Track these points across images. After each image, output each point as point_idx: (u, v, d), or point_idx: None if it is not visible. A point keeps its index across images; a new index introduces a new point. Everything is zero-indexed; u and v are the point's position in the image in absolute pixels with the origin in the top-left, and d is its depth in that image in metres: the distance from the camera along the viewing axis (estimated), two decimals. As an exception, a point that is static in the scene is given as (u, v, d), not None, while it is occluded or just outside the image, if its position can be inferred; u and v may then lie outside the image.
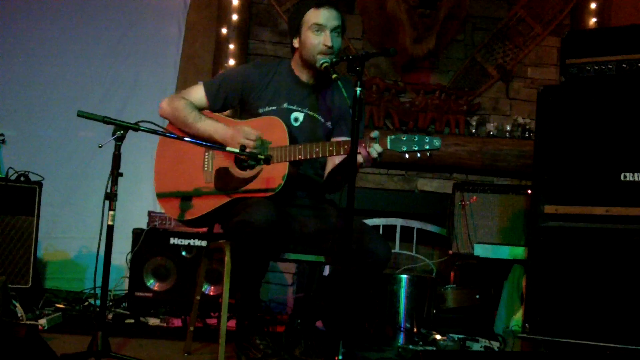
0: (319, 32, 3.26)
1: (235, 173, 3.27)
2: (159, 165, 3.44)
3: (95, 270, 3.00)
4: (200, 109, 3.38)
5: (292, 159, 3.13)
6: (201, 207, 3.30)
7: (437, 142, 2.95)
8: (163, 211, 3.63)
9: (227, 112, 3.51)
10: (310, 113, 3.39)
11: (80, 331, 3.90)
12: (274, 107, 3.36)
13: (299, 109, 3.39)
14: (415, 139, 2.95)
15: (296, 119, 3.38)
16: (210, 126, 3.28)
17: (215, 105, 3.41)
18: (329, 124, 3.42)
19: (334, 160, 3.30)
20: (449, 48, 5.92)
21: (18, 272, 4.57)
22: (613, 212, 3.49)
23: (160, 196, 3.40)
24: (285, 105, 3.37)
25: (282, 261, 4.56)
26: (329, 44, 3.24)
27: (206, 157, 3.34)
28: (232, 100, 3.42)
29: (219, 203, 3.26)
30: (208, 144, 3.19)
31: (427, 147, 2.95)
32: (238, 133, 3.19)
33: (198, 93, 3.41)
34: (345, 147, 3.03)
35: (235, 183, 3.25)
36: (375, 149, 2.97)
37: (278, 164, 3.14)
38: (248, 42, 5.85)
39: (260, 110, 3.36)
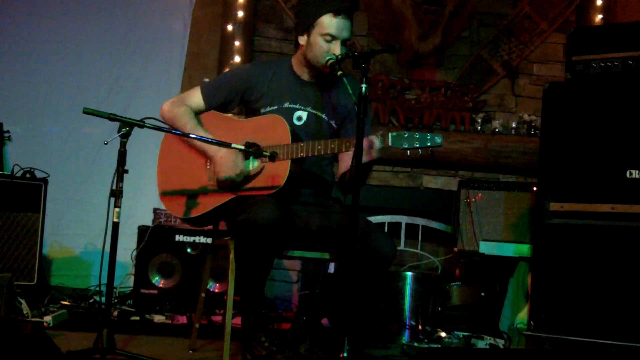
0: (330, 41, 3.22)
1: None
2: (162, 163, 3.45)
3: (101, 267, 2.99)
4: (200, 112, 3.39)
5: (294, 157, 3.13)
6: (204, 204, 3.30)
7: (438, 139, 2.94)
8: (166, 210, 3.63)
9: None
10: (313, 111, 3.39)
11: (86, 328, 3.90)
12: (276, 107, 3.35)
13: (302, 107, 3.38)
14: (417, 136, 2.94)
15: (299, 118, 3.37)
16: (203, 142, 3.27)
17: (212, 105, 3.40)
18: (333, 122, 3.41)
19: (345, 163, 3.28)
20: (454, 45, 5.90)
21: (23, 269, 4.57)
22: (618, 209, 3.48)
23: (164, 194, 3.41)
24: (286, 104, 3.36)
25: (287, 258, 4.56)
26: (337, 53, 3.19)
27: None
28: (232, 100, 3.42)
29: (221, 201, 3.26)
30: (214, 140, 3.19)
31: (429, 144, 2.94)
32: (228, 159, 3.20)
33: (195, 96, 3.40)
34: (347, 144, 3.02)
35: (237, 182, 3.24)
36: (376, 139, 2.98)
37: (280, 162, 3.14)
38: (253, 38, 5.84)
39: (262, 111, 3.36)
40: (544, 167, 3.69)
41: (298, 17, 3.44)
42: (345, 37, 3.24)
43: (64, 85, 5.61)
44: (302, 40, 3.32)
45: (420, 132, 2.95)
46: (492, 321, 4.32)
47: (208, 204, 3.29)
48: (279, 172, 3.15)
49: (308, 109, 3.38)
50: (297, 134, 3.24)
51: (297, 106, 3.37)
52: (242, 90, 3.39)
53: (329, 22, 3.22)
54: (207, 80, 3.71)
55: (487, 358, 3.22)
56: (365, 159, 2.93)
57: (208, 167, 3.32)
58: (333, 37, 3.22)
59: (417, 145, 2.94)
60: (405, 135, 2.95)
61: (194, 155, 3.35)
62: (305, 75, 3.41)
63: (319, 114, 3.39)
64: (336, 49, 3.21)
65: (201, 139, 3.20)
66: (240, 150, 3.13)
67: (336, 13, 3.22)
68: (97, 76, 5.67)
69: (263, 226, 2.99)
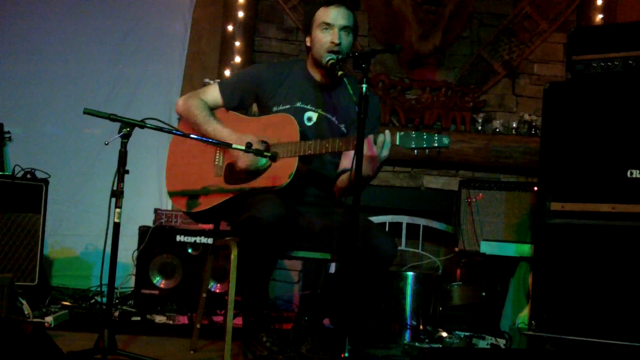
0: (327, 30, 3.27)
1: None
2: (171, 159, 3.48)
3: (102, 267, 2.99)
4: (215, 108, 3.42)
5: (301, 154, 3.13)
6: (210, 200, 3.31)
7: (446, 140, 2.92)
8: (172, 204, 3.65)
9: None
10: (323, 113, 3.40)
11: (87, 329, 3.90)
12: (288, 106, 3.37)
13: (313, 108, 3.39)
14: (425, 137, 2.92)
15: (309, 119, 3.38)
16: (216, 131, 3.30)
17: (231, 104, 3.43)
18: (342, 126, 3.42)
19: (349, 161, 3.27)
20: (454, 44, 5.91)
21: (24, 269, 4.58)
22: (619, 209, 3.48)
23: (171, 188, 3.43)
24: (298, 104, 3.38)
25: (289, 258, 4.56)
26: (336, 41, 3.23)
27: (217, 151, 3.36)
28: (247, 99, 3.46)
29: (227, 197, 3.27)
30: (213, 141, 3.21)
31: (436, 145, 2.93)
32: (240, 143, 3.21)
33: (214, 92, 3.44)
34: (355, 142, 3.02)
35: (244, 178, 3.25)
36: (385, 137, 2.96)
37: (288, 160, 3.14)
38: (254, 39, 5.85)
39: (275, 109, 3.38)
40: (544, 167, 3.69)
41: (303, 22, 3.49)
42: (342, 24, 3.28)
43: (65, 86, 5.62)
44: (308, 41, 3.39)
45: (428, 133, 2.94)
46: (493, 321, 4.32)
47: (213, 199, 3.30)
48: (286, 170, 3.16)
49: (319, 110, 3.40)
50: (306, 135, 3.24)
51: (308, 107, 3.39)
52: (256, 89, 3.42)
53: (323, 13, 3.31)
54: (218, 80, 3.72)
55: (489, 358, 3.21)
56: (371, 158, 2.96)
57: (216, 162, 3.33)
58: (329, 25, 3.28)
59: (425, 145, 2.93)
60: (413, 135, 2.94)
61: (203, 150, 3.37)
62: (317, 77, 3.43)
63: (329, 116, 3.40)
64: (334, 36, 3.26)
65: (201, 140, 3.20)
66: (240, 150, 3.13)
67: (328, 3, 3.31)
68: (97, 77, 5.68)
69: (268, 224, 2.99)
